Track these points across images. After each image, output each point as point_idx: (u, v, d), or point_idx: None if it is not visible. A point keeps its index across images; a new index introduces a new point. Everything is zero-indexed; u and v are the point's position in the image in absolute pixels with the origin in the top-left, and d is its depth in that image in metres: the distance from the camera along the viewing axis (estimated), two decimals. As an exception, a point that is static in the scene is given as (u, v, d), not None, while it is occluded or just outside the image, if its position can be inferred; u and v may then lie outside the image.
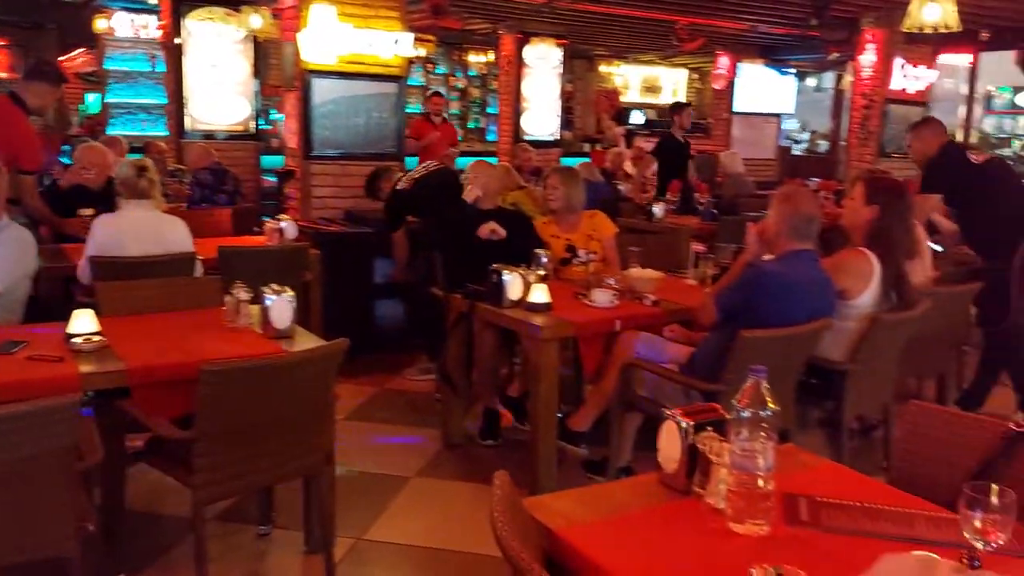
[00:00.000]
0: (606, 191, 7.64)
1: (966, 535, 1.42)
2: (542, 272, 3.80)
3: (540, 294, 3.45)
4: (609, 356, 3.46)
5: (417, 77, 13.54)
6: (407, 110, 6.73)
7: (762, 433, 1.60)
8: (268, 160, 8.77)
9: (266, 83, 10.24)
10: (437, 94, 9.18)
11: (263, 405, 2.44)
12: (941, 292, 3.74)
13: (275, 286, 2.96)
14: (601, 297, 3.54)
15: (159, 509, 3.22)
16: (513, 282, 3.50)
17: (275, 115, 11.71)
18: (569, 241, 4.32)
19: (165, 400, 2.51)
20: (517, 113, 10.08)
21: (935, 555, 1.44)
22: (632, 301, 3.62)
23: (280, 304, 2.92)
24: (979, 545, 1.41)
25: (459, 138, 9.94)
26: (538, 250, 3.96)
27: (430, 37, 12.01)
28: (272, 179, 8.58)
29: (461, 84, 14.05)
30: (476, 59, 14.10)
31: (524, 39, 9.96)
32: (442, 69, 14.15)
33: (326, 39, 5.66)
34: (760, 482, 1.60)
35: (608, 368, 3.44)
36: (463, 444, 3.99)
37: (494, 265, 3.55)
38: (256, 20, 7.88)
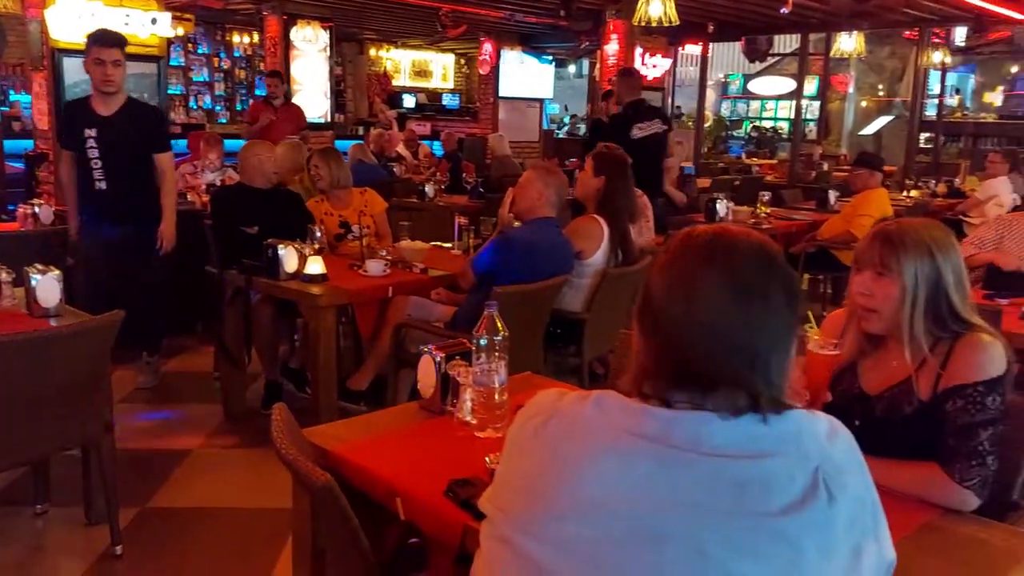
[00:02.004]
0: (380, 172, 7.90)
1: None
2: (317, 246, 4.01)
3: (316, 266, 3.67)
4: (383, 319, 3.77)
5: (177, 57, 12.95)
6: (170, 91, 6.56)
7: (496, 354, 1.97)
8: (12, 144, 8.12)
9: (2, 62, 9.42)
10: (273, 75, 8.47)
11: (33, 379, 2.48)
12: (658, 250, 4.39)
13: (40, 266, 2.96)
14: (374, 267, 3.83)
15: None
16: (288, 255, 3.69)
17: (16, 96, 10.78)
18: (342, 217, 4.55)
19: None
20: (287, 96, 9.99)
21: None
22: (403, 270, 3.95)
23: (46, 283, 2.94)
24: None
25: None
26: (311, 226, 4.16)
27: (189, 16, 11.53)
28: (18, 164, 7.97)
29: (226, 65, 13.59)
30: (240, 40, 13.70)
31: (290, 20, 9.88)
32: (204, 49, 13.62)
33: (76, 16, 5.43)
34: (496, 395, 1.97)
35: (383, 330, 3.74)
36: (245, 416, 4.12)
37: (268, 240, 3.72)
38: (-11, -8, 7.27)
